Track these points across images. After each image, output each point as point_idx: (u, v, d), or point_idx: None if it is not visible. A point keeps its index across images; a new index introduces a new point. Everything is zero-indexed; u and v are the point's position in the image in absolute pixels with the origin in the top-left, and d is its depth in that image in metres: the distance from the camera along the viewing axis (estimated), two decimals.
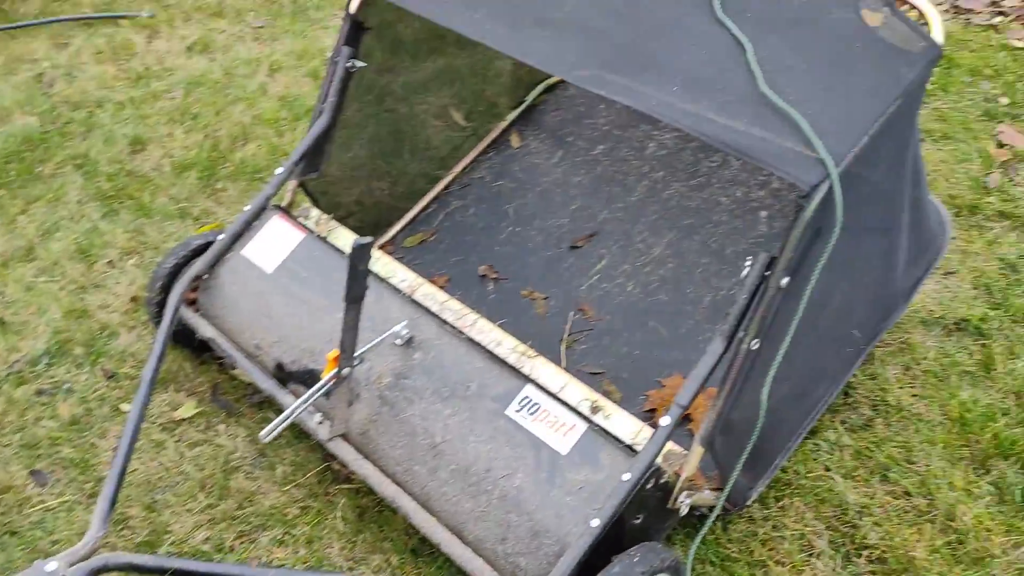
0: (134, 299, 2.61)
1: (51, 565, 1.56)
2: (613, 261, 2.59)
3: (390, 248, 2.74)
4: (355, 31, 2.35)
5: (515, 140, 2.96)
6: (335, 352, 1.87)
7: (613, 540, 1.68)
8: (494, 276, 2.63)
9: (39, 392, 2.35)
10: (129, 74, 3.69)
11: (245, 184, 3.03)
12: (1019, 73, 3.40)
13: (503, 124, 2.97)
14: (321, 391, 1.91)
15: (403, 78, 2.65)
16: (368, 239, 1.72)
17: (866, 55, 1.75)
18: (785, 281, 1.61)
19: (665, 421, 1.67)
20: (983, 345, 2.38)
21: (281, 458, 2.18)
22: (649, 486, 1.70)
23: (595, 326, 2.44)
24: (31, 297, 2.62)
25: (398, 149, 2.79)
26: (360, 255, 1.73)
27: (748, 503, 1.98)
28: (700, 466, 1.78)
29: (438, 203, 2.86)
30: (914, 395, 2.26)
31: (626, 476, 1.65)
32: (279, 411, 1.95)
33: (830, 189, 1.56)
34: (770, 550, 1.94)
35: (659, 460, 1.72)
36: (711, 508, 1.84)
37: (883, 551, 1.92)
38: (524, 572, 1.69)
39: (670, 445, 1.77)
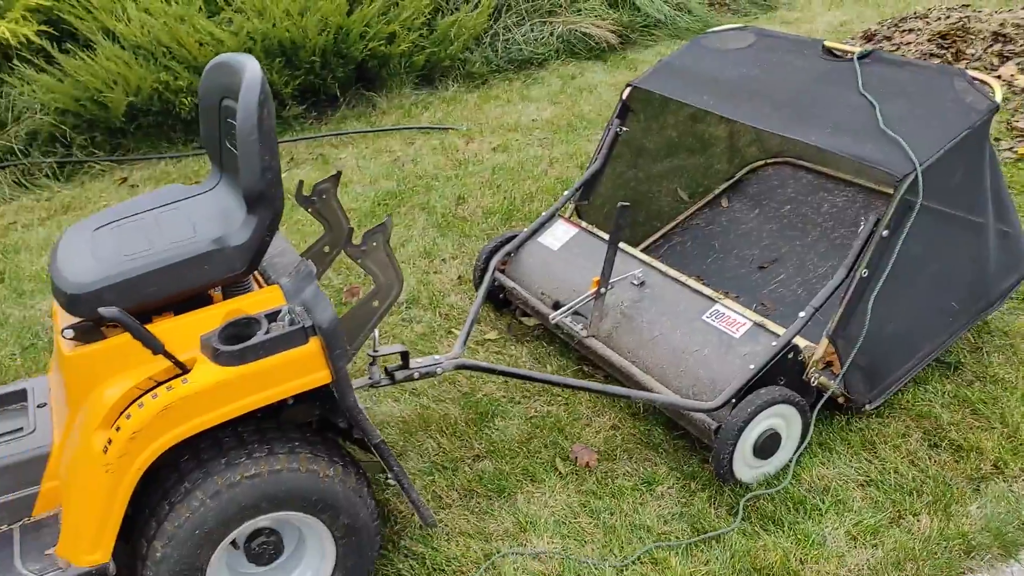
0: (459, 278, 3.96)
1: (439, 356, 2.79)
2: (788, 276, 3.64)
3: None
4: (624, 109, 3.68)
5: (724, 202, 4.13)
6: (596, 278, 3.07)
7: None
8: (703, 282, 3.74)
9: (403, 319, 3.71)
10: (453, 161, 5.27)
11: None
12: None
13: (716, 191, 4.16)
14: (586, 298, 3.10)
15: (652, 161, 3.95)
16: (627, 204, 2.95)
17: (949, 108, 2.81)
18: (885, 233, 2.65)
19: (801, 314, 2.71)
20: None
21: (548, 363, 3.35)
22: (789, 356, 2.71)
23: (770, 314, 3.48)
24: None
25: (633, 202, 4.04)
26: (623, 212, 2.96)
27: (867, 407, 2.89)
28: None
29: (664, 239, 4.05)
30: (1010, 372, 3.08)
31: (773, 343, 2.69)
32: (551, 341, 3.14)
33: (916, 179, 2.61)
34: (877, 434, 2.83)
35: (800, 343, 2.74)
36: (840, 399, 2.80)
37: (960, 443, 2.76)
38: (706, 402, 2.74)
39: (807, 342, 2.78)
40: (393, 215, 4.62)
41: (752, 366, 2.67)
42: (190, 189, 2.49)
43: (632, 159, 3.88)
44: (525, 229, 3.64)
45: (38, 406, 2.37)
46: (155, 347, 2.00)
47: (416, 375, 2.69)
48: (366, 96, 6.16)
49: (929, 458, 2.73)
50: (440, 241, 4.31)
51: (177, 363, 2.05)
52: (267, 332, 2.08)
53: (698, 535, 2.51)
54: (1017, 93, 5.47)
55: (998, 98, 2.80)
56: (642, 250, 4.01)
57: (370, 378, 2.63)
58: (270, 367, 2.05)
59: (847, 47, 3.25)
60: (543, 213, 3.67)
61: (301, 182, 2.72)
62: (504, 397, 3.18)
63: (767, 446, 2.67)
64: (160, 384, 2.03)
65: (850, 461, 2.75)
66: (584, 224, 3.69)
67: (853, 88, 3.03)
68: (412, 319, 3.72)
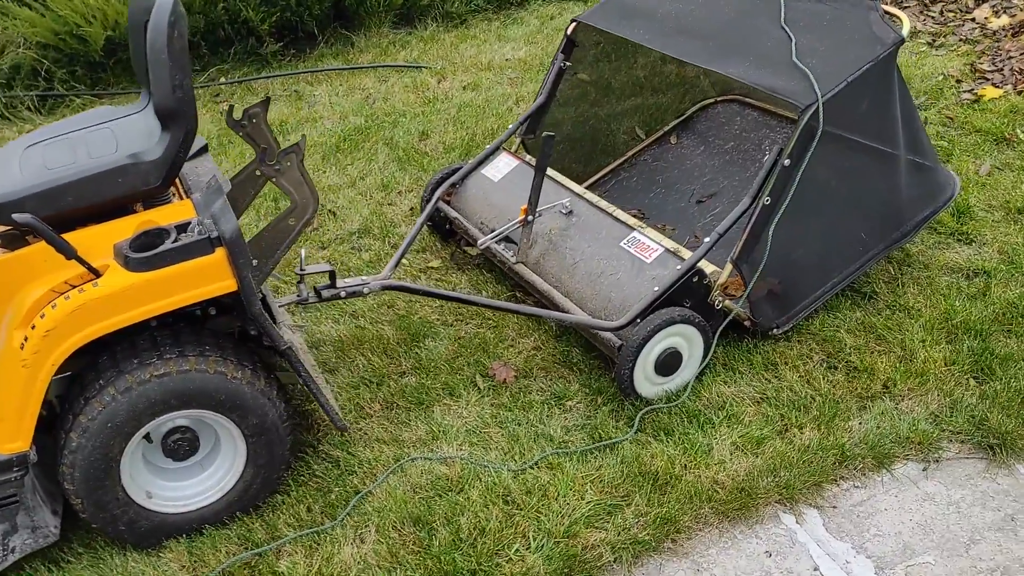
0: (411, 210, 4.10)
1: (366, 277, 2.95)
2: (724, 210, 3.75)
3: None
4: (569, 45, 3.77)
5: (673, 139, 4.23)
6: (524, 206, 3.20)
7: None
8: (641, 215, 3.86)
9: (352, 247, 3.86)
10: (422, 99, 5.37)
11: None
12: None
13: (665, 128, 4.25)
14: (513, 225, 3.24)
15: (603, 88, 4.04)
16: (552, 134, 3.06)
17: (858, 40, 2.89)
18: (787, 162, 2.75)
19: (707, 240, 2.83)
20: (986, 283, 3.27)
21: (485, 289, 3.50)
22: (694, 280, 2.84)
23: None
24: (352, 205, 4.19)
25: (587, 139, 4.15)
26: (548, 141, 3.07)
27: (774, 331, 3.02)
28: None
29: (612, 175, 4.16)
30: (920, 301, 3.20)
31: (678, 267, 2.82)
32: (490, 269, 3.27)
33: (817, 109, 2.71)
34: (780, 356, 2.97)
35: (706, 270, 2.87)
36: (746, 322, 2.94)
37: (856, 365, 2.90)
38: (613, 321, 2.88)
39: (714, 267, 2.91)
40: (358, 150, 4.75)
41: (657, 288, 2.81)
42: (119, 110, 2.63)
43: (591, 96, 3.98)
44: (470, 161, 3.77)
45: None
46: (67, 252, 2.16)
47: (343, 294, 2.84)
48: (344, 35, 6.24)
49: (824, 378, 2.87)
50: (398, 175, 4.44)
51: (90, 268, 2.21)
52: (175, 241, 2.24)
53: (594, 444, 2.68)
54: (988, 35, 5.48)
55: (905, 31, 2.88)
56: (589, 184, 4.13)
57: (298, 295, 2.79)
58: (177, 274, 2.22)
59: None
60: (488, 146, 3.78)
61: (231, 106, 2.85)
62: (438, 320, 3.34)
63: (668, 364, 2.81)
64: (74, 288, 2.20)
65: (751, 381, 2.89)
66: (527, 157, 3.81)
67: (776, 21, 3.11)
68: (361, 247, 3.87)
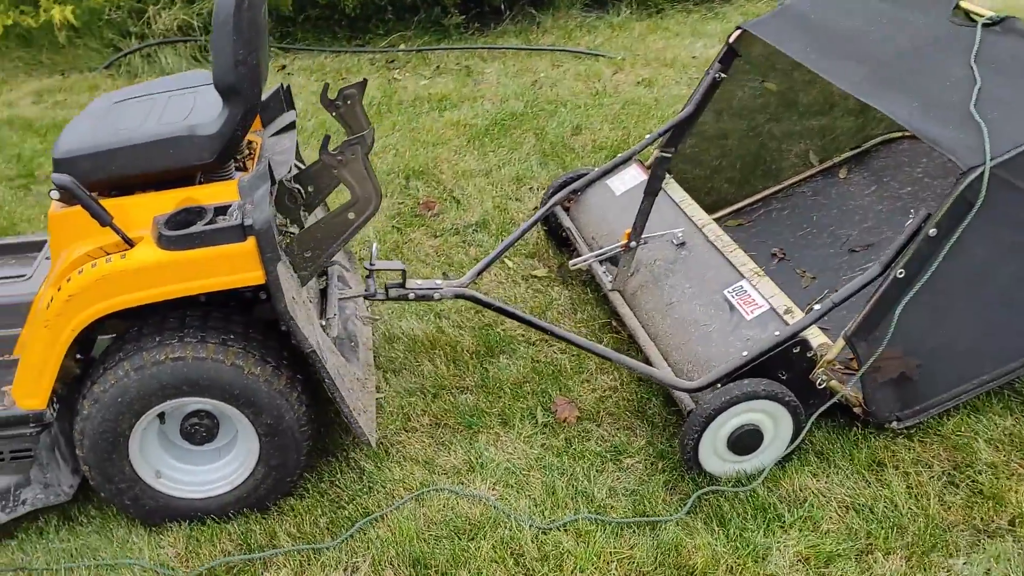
0: (535, 210, 3.85)
1: (440, 282, 2.75)
2: None
3: None
4: (729, 54, 3.35)
5: (842, 172, 3.70)
6: (628, 230, 2.87)
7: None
8: (781, 256, 3.40)
9: (463, 241, 3.68)
10: (591, 90, 5.08)
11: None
12: None
13: (837, 159, 3.72)
14: (612, 250, 2.92)
15: (788, 101, 3.60)
16: (668, 155, 2.71)
17: None
18: (933, 232, 2.26)
19: (817, 306, 2.39)
20: None
21: (583, 310, 3.21)
22: (795, 351, 2.42)
23: None
24: (479, 194, 4.00)
25: (750, 157, 3.71)
26: (661, 163, 2.73)
27: (892, 424, 2.54)
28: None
29: (763, 203, 3.70)
30: None
31: (776, 332, 2.41)
32: (596, 288, 2.98)
33: (982, 174, 2.20)
34: (891, 456, 2.49)
35: (812, 341, 2.43)
36: (857, 409, 2.48)
37: (983, 487, 2.36)
38: (691, 380, 2.52)
39: (825, 339, 2.47)
40: (506, 136, 4.55)
41: (746, 353, 2.41)
42: (210, 76, 2.57)
43: (771, 108, 3.55)
44: (597, 168, 3.46)
45: (46, 257, 2.60)
46: (102, 219, 2.11)
47: (411, 295, 2.67)
48: (530, 13, 6.04)
49: (938, 495, 2.36)
50: (536, 169, 4.20)
51: (124, 238, 2.16)
52: (209, 224, 2.13)
53: (635, 517, 2.35)
54: None
55: None
56: (735, 211, 3.70)
57: (366, 289, 2.65)
58: (205, 257, 2.11)
59: (982, 10, 2.74)
60: (619, 155, 3.46)
61: (326, 84, 2.72)
62: (521, 337, 3.10)
63: (745, 442, 2.42)
64: (107, 255, 2.15)
65: (845, 479, 2.44)
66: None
67: (965, 57, 2.57)
68: (472, 243, 3.68)
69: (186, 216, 2.18)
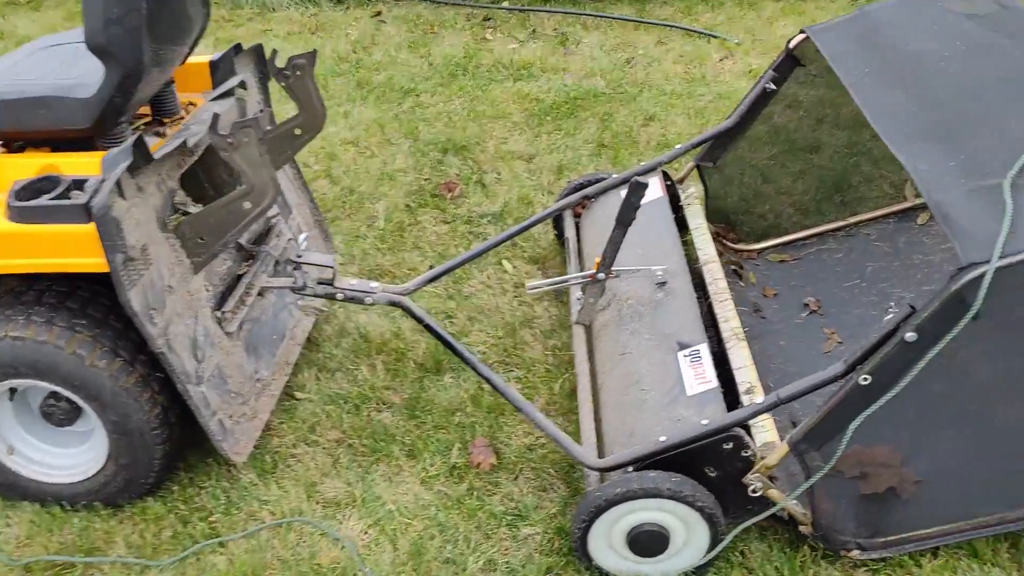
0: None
1: (376, 284, 2.44)
2: None
3: (753, 254, 3.12)
4: (788, 61, 2.79)
5: (922, 218, 3.05)
6: (599, 258, 2.45)
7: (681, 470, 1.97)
8: (815, 308, 2.85)
9: (471, 231, 3.35)
10: (688, 76, 4.53)
11: None
12: None
13: (917, 201, 3.07)
14: (575, 279, 2.51)
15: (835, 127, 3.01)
16: (645, 181, 2.26)
17: None
18: (911, 336, 1.73)
19: (759, 399, 1.91)
20: None
21: (559, 337, 2.82)
22: (727, 447, 1.95)
23: None
24: (512, 180, 3.64)
25: (809, 183, 3.13)
26: (636, 190, 2.28)
27: (851, 552, 2.03)
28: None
29: (818, 239, 3.12)
30: None
31: (704, 422, 1.95)
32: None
33: (981, 277, 1.64)
34: None
35: (754, 442, 1.96)
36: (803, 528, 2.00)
37: None
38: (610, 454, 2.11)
39: (773, 437, 1.98)
40: (569, 118, 4.13)
41: (663, 439, 1.97)
42: None
43: (858, 125, 2.98)
44: (615, 175, 3.01)
45: None
46: None
47: (340, 295, 2.41)
48: None
49: None
50: (584, 159, 3.77)
51: None
52: (58, 197, 1.94)
53: None
54: None
55: None
56: (782, 243, 3.15)
57: (293, 281, 2.40)
58: (46, 235, 1.92)
59: None
60: (643, 163, 2.99)
61: (275, 51, 2.46)
62: (480, 355, 2.75)
63: (646, 542, 1.99)
64: None
65: None
66: (687, 191, 2.97)
67: None
68: (480, 235, 3.34)
69: (38, 185, 1.99)
